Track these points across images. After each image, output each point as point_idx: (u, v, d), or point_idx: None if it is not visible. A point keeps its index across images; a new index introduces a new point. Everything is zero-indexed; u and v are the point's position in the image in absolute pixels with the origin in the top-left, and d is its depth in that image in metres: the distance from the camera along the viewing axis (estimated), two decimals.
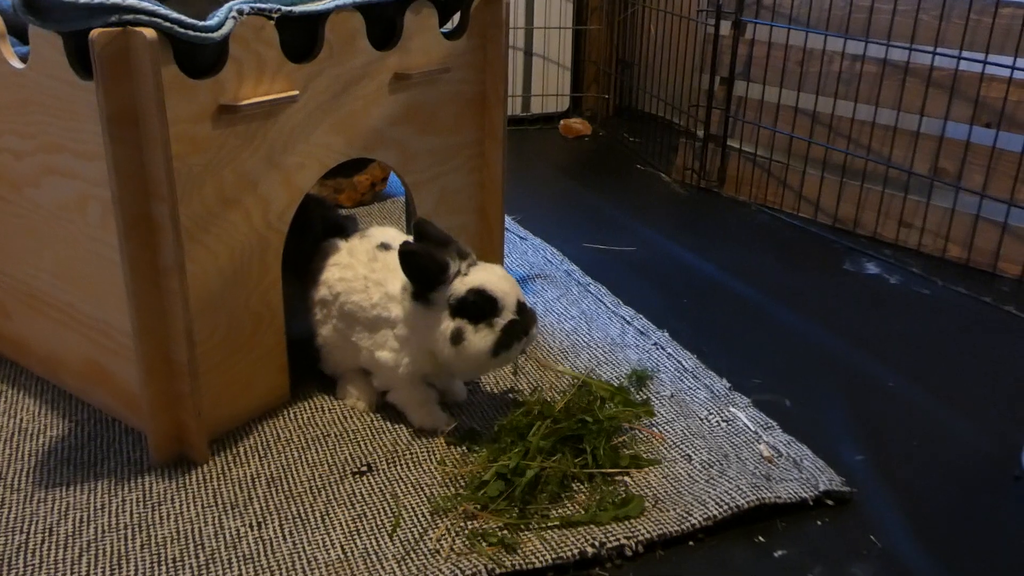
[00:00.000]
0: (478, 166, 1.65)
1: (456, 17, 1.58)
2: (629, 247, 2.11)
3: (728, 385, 1.46)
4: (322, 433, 1.32)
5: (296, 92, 1.27)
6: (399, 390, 1.34)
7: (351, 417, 1.36)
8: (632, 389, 1.41)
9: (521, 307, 1.25)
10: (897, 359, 1.60)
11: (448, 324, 1.23)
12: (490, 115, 1.62)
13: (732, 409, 1.39)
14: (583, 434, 1.23)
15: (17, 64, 1.24)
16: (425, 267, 1.23)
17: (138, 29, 1.07)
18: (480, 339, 1.22)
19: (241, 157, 1.23)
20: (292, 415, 1.36)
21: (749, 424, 1.35)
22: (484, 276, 1.24)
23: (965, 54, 1.97)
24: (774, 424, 1.35)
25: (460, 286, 1.23)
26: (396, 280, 1.29)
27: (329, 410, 1.38)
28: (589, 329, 1.66)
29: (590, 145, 3.06)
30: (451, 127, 1.57)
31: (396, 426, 1.34)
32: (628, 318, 1.70)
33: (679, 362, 1.54)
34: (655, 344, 1.60)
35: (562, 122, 3.19)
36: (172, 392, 1.23)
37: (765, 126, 2.40)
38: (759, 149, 2.43)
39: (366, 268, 1.33)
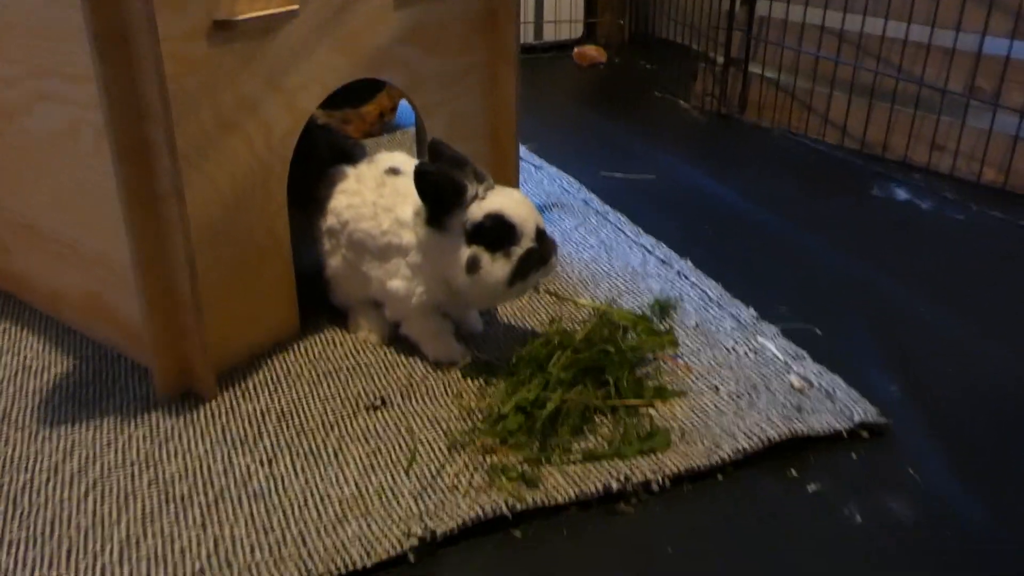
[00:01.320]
0: (490, 89, 1.57)
1: None
2: (648, 175, 2.04)
3: (755, 314, 1.40)
4: (334, 367, 1.27)
5: (296, 6, 1.19)
6: (412, 321, 1.28)
7: (364, 351, 1.31)
8: (655, 319, 1.35)
9: (540, 234, 1.18)
10: (930, 287, 1.54)
11: (464, 251, 1.17)
12: (501, 35, 1.54)
13: (760, 339, 1.33)
14: (605, 365, 1.18)
15: None
16: (441, 188, 1.17)
17: None
18: (497, 268, 1.16)
19: (240, 78, 1.16)
20: (302, 349, 1.32)
21: (778, 354, 1.29)
22: (502, 200, 1.17)
23: None
24: (804, 354, 1.29)
25: (477, 211, 1.16)
26: (408, 205, 1.23)
27: (341, 343, 1.33)
28: (609, 258, 1.60)
29: (605, 73, 2.95)
30: (460, 47, 1.49)
31: (411, 359, 1.29)
32: (649, 247, 1.64)
33: (703, 291, 1.48)
34: (678, 273, 1.54)
35: (576, 49, 3.08)
36: (176, 326, 1.18)
37: (789, 46, 2.29)
38: (782, 72, 2.33)
39: (375, 194, 1.27)
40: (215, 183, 1.16)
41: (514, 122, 1.60)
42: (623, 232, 1.70)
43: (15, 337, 1.36)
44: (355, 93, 2.00)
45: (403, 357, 1.30)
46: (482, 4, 1.50)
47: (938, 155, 2.05)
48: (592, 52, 3.05)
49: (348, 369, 1.27)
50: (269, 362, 1.29)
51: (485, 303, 1.32)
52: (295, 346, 1.32)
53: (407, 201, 1.23)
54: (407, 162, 1.31)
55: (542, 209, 1.80)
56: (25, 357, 1.31)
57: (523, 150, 2.10)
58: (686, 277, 1.53)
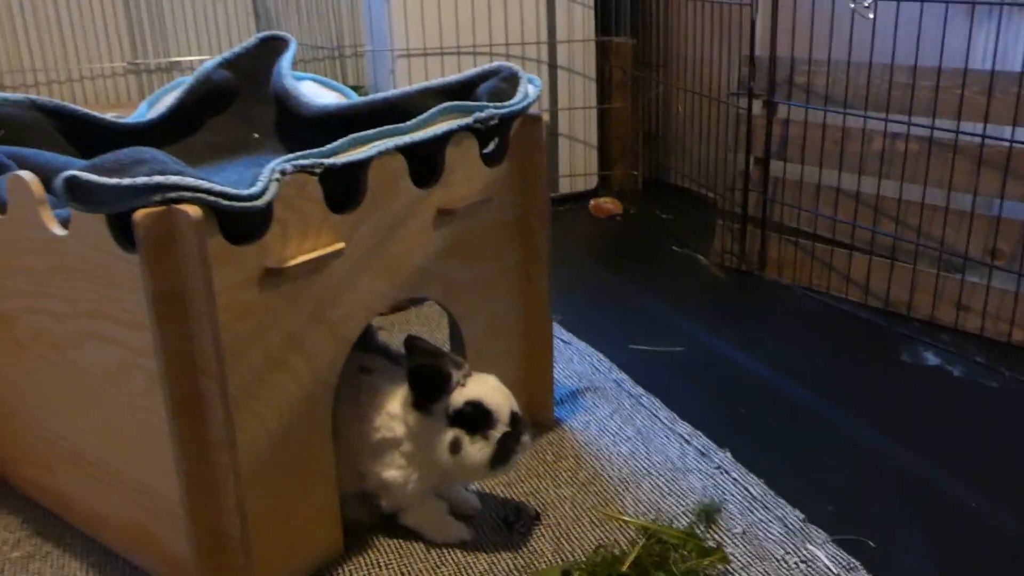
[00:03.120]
0: (523, 289, 1.60)
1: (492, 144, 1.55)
2: (675, 347, 2.05)
3: (802, 517, 1.38)
4: None
5: (342, 245, 1.23)
6: (411, 509, 1.36)
7: (409, 574, 1.30)
8: (701, 527, 1.34)
9: (514, 418, 1.29)
10: (976, 472, 1.52)
11: (447, 433, 1.27)
12: (533, 237, 1.58)
13: (810, 547, 1.31)
14: None
15: (58, 231, 1.21)
16: (434, 378, 1.28)
17: (182, 207, 1.03)
18: (477, 451, 1.27)
19: (287, 316, 1.18)
20: (347, 573, 1.30)
21: (831, 566, 1.27)
22: (480, 388, 1.29)
23: (1019, 132, 1.91)
24: (857, 565, 1.27)
25: (458, 397, 1.27)
26: (393, 399, 1.32)
27: (386, 565, 1.32)
28: (647, 452, 1.59)
29: (622, 225, 3.01)
30: (495, 253, 1.53)
31: None
32: (687, 436, 1.63)
33: (746, 489, 1.46)
34: (718, 467, 1.53)
35: (592, 201, 3.15)
36: (224, 567, 1.17)
37: (805, 208, 2.34)
38: (800, 231, 2.37)
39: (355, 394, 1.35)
40: (264, 421, 1.18)
41: (548, 318, 1.62)
42: (658, 419, 1.70)
43: (57, 563, 1.35)
44: None
45: None
46: (515, 210, 1.54)
47: (965, 315, 2.06)
48: (608, 204, 3.11)
49: None
50: None
51: (470, 480, 1.43)
52: (339, 570, 1.31)
53: (391, 396, 1.32)
54: (372, 360, 1.38)
55: (575, 395, 1.80)
56: None
57: None
58: (727, 472, 1.52)
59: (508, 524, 1.39)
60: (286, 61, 1.70)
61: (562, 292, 2.36)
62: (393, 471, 1.32)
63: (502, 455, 1.28)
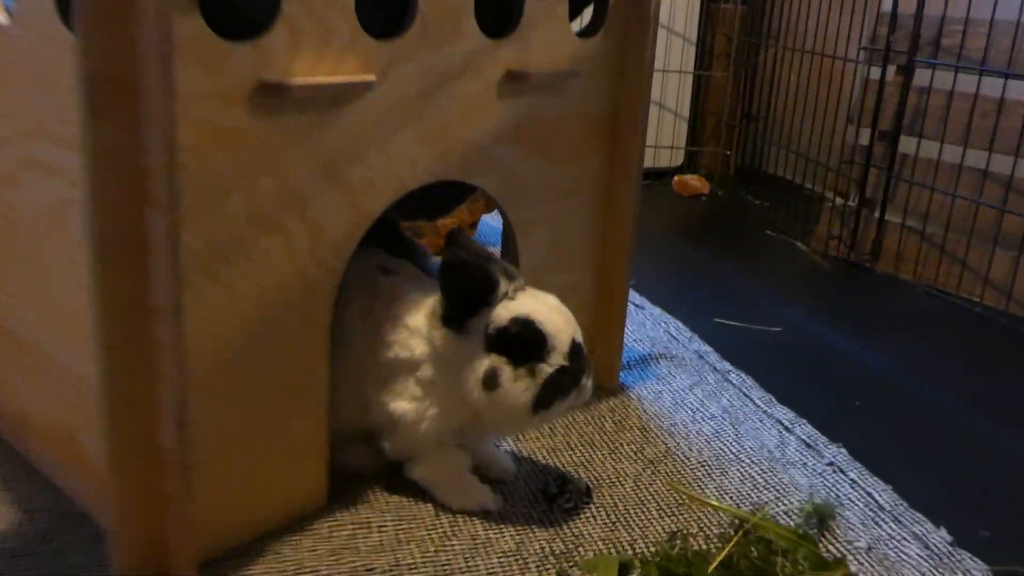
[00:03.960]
0: (603, 210, 1.26)
1: (587, 13, 1.22)
2: (772, 327, 1.68)
3: (949, 539, 1.01)
4: (363, 565, 0.92)
5: (373, 77, 0.90)
6: (423, 459, 1.02)
7: (406, 541, 0.96)
8: (810, 531, 0.98)
9: (576, 350, 0.96)
10: None
11: (482, 360, 0.94)
12: (623, 143, 1.24)
13: None
14: None
15: (2, 19, 0.91)
16: (472, 282, 0.95)
17: None
18: (518, 388, 0.94)
19: (287, 162, 0.86)
20: (326, 531, 0.97)
21: None
22: (534, 305, 0.96)
23: None
24: None
25: (503, 313, 0.94)
26: (418, 311, 0.99)
27: (380, 527, 0.98)
28: (736, 435, 1.23)
29: (709, 206, 2.65)
30: (573, 153, 1.19)
31: (471, 564, 0.93)
32: (787, 423, 1.27)
33: (869, 495, 1.10)
34: (830, 464, 1.17)
35: (676, 178, 2.80)
36: (153, 489, 0.85)
37: (941, 190, 1.96)
38: (929, 219, 1.98)
39: (368, 299, 1.03)
40: (235, 298, 0.85)
41: (628, 255, 1.28)
42: (750, 399, 1.34)
43: None
44: (431, 201, 1.71)
45: (461, 559, 0.94)
46: (605, 102, 1.21)
47: None
48: (694, 182, 2.76)
49: (382, 570, 0.91)
50: (278, 547, 0.94)
51: (504, 430, 1.07)
52: (318, 526, 0.97)
53: (415, 305, 1.00)
54: (396, 262, 1.08)
55: (647, 360, 1.45)
56: None
57: None
58: (842, 471, 1.15)
59: (549, 497, 1.05)
60: None
61: (635, 259, 2.01)
62: (403, 402, 0.99)
63: (551, 396, 0.94)
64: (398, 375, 0.99)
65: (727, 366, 1.45)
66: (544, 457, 1.14)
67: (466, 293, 0.95)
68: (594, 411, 1.27)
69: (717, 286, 1.93)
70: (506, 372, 0.93)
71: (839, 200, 2.16)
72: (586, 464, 1.13)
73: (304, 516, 0.98)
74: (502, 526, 0.99)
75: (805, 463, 1.17)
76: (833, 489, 1.11)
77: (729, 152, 2.91)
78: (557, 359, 0.94)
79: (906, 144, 2.06)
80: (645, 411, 1.28)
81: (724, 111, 2.89)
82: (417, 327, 0.99)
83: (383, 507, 1.01)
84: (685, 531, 0.98)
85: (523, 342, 0.94)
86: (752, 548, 0.88)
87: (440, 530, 0.98)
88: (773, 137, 2.74)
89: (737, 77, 2.86)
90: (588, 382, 0.97)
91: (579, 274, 1.26)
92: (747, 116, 2.91)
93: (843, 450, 1.20)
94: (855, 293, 1.96)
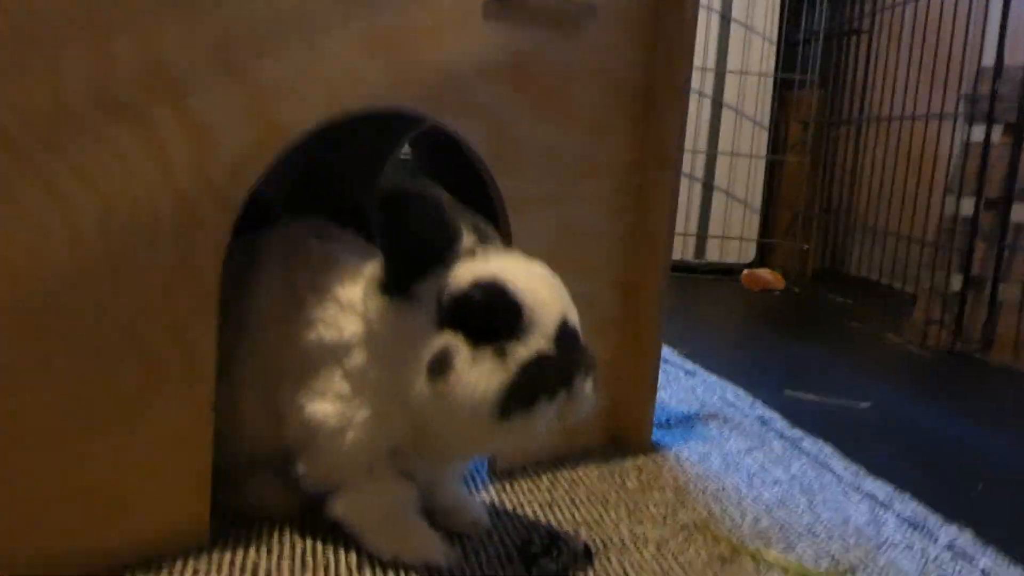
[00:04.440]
0: (630, 204, 0.98)
1: None
2: (858, 402, 1.34)
3: None
4: None
5: None
6: (349, 491, 0.72)
7: None
8: None
9: (567, 334, 0.66)
10: None
11: (433, 340, 0.66)
12: (659, 120, 0.97)
13: None
14: None
15: None
16: (425, 224, 0.66)
17: None
18: (478, 375, 0.64)
19: (160, 24, 0.62)
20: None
21: None
22: (509, 265, 0.68)
23: None
24: None
25: (464, 274, 0.66)
26: (352, 280, 0.73)
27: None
28: (810, 504, 0.89)
29: (782, 301, 2.33)
30: (589, 120, 0.93)
31: None
32: (883, 499, 0.92)
33: None
34: (949, 548, 0.81)
35: (746, 271, 2.50)
36: None
37: None
38: None
39: (287, 269, 0.77)
40: (65, 210, 0.60)
41: (665, 269, 0.98)
42: (829, 470, 0.99)
43: None
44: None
45: None
46: (632, 64, 0.95)
47: None
48: (767, 276, 2.45)
49: None
50: None
51: (460, 445, 0.71)
52: (179, 568, 0.67)
53: (351, 276, 0.72)
54: (335, 228, 0.81)
55: (691, 419, 1.13)
56: None
57: (667, 351, 1.47)
58: (970, 559, 0.79)
59: (529, 557, 0.72)
60: None
61: (692, 332, 1.70)
62: (325, 403, 0.70)
63: (528, 392, 0.63)
64: (320, 367, 0.71)
65: (799, 434, 1.11)
66: (536, 512, 0.82)
67: (412, 242, 0.67)
68: (614, 466, 0.94)
69: (790, 363, 1.60)
70: (462, 353, 0.64)
71: (939, 279, 1.82)
72: (594, 524, 0.80)
73: (166, 552, 0.68)
74: None
75: (910, 545, 0.82)
76: None
77: (807, 247, 2.60)
78: (538, 341, 0.65)
79: (1020, 212, 1.74)
80: (684, 472, 0.95)
81: (801, 202, 2.61)
82: (351, 301, 0.72)
83: (283, 551, 0.71)
84: None
85: (488, 313, 0.65)
86: None
87: None
88: (856, 234, 2.44)
89: (815, 164, 2.59)
90: (587, 384, 0.66)
91: (596, 284, 0.97)
92: (826, 209, 2.62)
93: (970, 535, 0.84)
94: (963, 383, 1.60)
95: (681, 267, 2.52)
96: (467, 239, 0.69)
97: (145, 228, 0.64)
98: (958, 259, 1.78)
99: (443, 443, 0.69)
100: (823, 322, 2.06)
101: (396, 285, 0.68)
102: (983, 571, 0.77)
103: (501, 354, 0.64)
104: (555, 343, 0.65)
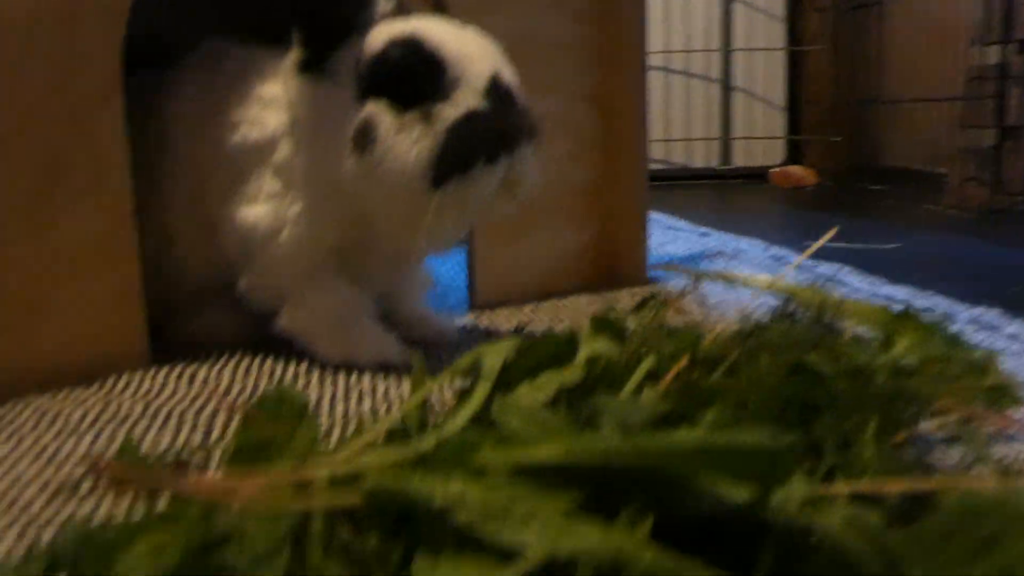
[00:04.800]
0: (596, 8, 0.90)
1: None
2: (889, 243, 1.25)
3: None
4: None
5: None
6: (294, 301, 0.66)
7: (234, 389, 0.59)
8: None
9: (500, 92, 0.60)
10: None
11: (356, 113, 0.60)
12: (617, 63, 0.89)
13: None
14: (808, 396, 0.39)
15: None
16: None
17: None
18: (404, 142, 0.58)
19: None
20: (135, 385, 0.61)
21: None
22: (426, 25, 0.62)
23: None
24: None
25: (379, 35, 0.61)
26: (273, 77, 0.67)
27: (201, 380, 0.61)
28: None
29: (815, 196, 2.21)
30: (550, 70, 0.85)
31: None
32: (901, 299, 0.84)
33: None
34: (972, 321, 0.73)
35: (775, 169, 2.39)
36: None
37: None
38: None
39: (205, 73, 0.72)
40: None
41: (640, 77, 0.91)
42: (845, 284, 0.91)
43: None
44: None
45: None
46: None
47: None
48: (798, 172, 2.34)
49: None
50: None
51: (400, 226, 0.62)
52: (126, 381, 0.62)
53: (272, 73, 0.67)
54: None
55: (691, 258, 1.05)
56: None
57: (658, 215, 1.39)
58: (994, 328, 0.71)
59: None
60: None
61: (702, 212, 1.61)
62: (256, 206, 0.65)
63: (462, 154, 0.58)
64: (249, 171, 0.66)
65: (813, 263, 1.03)
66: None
67: (320, 4, 0.60)
68: (605, 295, 0.87)
69: (815, 223, 1.51)
70: (385, 121, 0.59)
71: (972, 134, 1.70)
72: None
73: (100, 365, 0.63)
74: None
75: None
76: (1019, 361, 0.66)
77: (838, 139, 2.47)
78: (466, 98, 0.58)
79: None
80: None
81: (826, 95, 2.47)
82: (273, 96, 0.67)
83: (227, 362, 0.65)
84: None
85: (407, 71, 0.59)
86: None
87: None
88: (888, 121, 2.31)
89: (839, 52, 2.46)
90: (529, 148, 0.60)
91: (562, 99, 0.89)
92: (856, 100, 2.49)
93: (994, 310, 0.75)
94: (1006, 231, 1.48)
95: (707, 174, 2.42)
96: (384, 5, 0.63)
97: (24, 16, 0.58)
98: (991, 110, 1.66)
99: (383, 227, 0.63)
100: (858, 210, 1.95)
101: (312, 58, 0.62)
102: (1009, 335, 0.68)
103: (427, 117, 0.58)
104: (488, 100, 0.59)
